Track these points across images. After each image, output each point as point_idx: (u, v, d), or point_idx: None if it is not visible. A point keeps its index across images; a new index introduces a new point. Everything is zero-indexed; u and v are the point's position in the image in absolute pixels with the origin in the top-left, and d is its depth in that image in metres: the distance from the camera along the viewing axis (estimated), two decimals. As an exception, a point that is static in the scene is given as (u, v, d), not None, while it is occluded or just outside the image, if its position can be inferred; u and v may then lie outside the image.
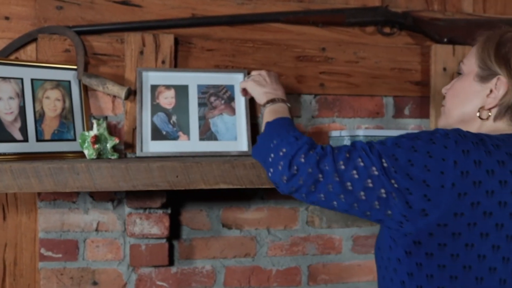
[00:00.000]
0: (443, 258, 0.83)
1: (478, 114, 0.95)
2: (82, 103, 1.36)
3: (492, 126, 0.94)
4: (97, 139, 1.25)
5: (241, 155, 1.36)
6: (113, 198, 1.39)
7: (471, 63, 0.99)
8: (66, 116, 1.33)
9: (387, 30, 1.55)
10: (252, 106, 1.43)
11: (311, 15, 1.48)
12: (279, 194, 1.48)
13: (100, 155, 1.26)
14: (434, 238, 0.82)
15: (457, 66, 1.54)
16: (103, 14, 1.41)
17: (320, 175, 0.86)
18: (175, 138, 1.35)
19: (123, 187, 1.09)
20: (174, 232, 1.43)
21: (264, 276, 1.47)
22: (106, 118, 1.33)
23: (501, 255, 0.82)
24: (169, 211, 1.36)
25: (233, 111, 1.40)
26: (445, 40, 1.55)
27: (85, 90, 1.37)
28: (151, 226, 1.35)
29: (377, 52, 1.53)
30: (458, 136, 0.84)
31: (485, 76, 0.95)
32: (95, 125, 1.27)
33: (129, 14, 1.42)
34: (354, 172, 0.84)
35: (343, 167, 0.85)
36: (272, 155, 0.93)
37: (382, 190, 0.82)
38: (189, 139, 1.35)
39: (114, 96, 1.39)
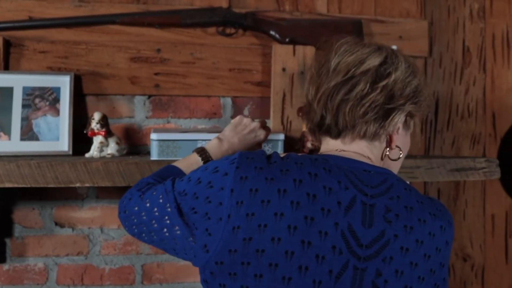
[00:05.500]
0: None
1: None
2: None
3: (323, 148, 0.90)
4: None
5: (61, 155, 1.39)
6: None
7: None
8: None
9: (231, 31, 1.55)
10: (77, 108, 1.45)
11: (146, 16, 1.50)
12: (113, 193, 1.51)
13: None
14: (216, 278, 0.75)
15: (297, 66, 1.54)
16: None
17: (133, 216, 0.87)
18: (-4, 138, 1.38)
19: None
20: (6, 229, 1.46)
21: (97, 275, 1.49)
22: None
23: None
24: (-8, 209, 1.40)
25: (57, 112, 1.42)
26: (287, 40, 1.54)
27: None
28: (-28, 223, 1.39)
29: (215, 53, 1.53)
30: (245, 159, 0.78)
31: None
32: None
33: (-35, 17, 1.46)
34: (155, 209, 0.83)
35: (148, 205, 0.85)
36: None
37: (176, 228, 0.80)
38: (10, 139, 1.38)
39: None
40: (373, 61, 0.83)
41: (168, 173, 0.99)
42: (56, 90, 1.43)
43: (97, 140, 1.34)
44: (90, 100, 1.49)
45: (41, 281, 1.47)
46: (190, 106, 1.52)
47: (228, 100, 1.54)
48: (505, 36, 1.76)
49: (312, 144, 1.38)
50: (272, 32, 1.54)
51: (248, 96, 1.55)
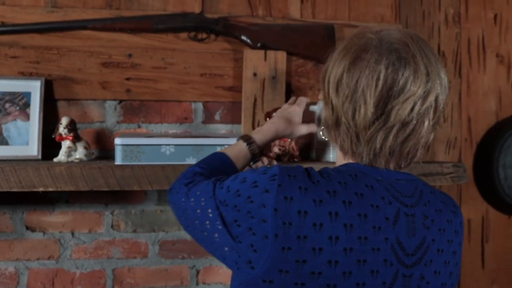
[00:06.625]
0: None
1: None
2: None
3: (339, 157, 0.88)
4: None
5: (30, 159, 1.40)
6: None
7: None
8: None
9: (203, 36, 1.56)
10: (48, 113, 1.45)
11: (118, 21, 1.50)
12: (84, 198, 1.52)
13: None
14: None
15: (268, 71, 1.54)
16: None
17: (180, 210, 0.88)
18: (-35, 143, 1.39)
19: None
20: (-23, 234, 1.47)
21: (67, 279, 1.49)
22: None
23: None
24: (-39, 213, 1.40)
25: (27, 117, 1.43)
26: (259, 45, 1.54)
27: None
28: None
29: (186, 58, 1.54)
30: (286, 177, 0.75)
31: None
32: None
33: None
34: (198, 211, 0.83)
35: (192, 204, 0.85)
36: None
37: (216, 234, 0.79)
38: (-21, 144, 1.40)
39: None
40: (433, 94, 0.79)
41: (216, 161, 1.00)
42: (27, 95, 1.44)
43: (65, 144, 1.35)
44: (61, 105, 1.50)
45: (11, 285, 1.48)
46: (161, 111, 1.53)
47: (200, 105, 1.55)
48: (480, 41, 1.76)
49: (279, 149, 1.38)
50: (243, 37, 1.54)
51: (219, 101, 1.55)
